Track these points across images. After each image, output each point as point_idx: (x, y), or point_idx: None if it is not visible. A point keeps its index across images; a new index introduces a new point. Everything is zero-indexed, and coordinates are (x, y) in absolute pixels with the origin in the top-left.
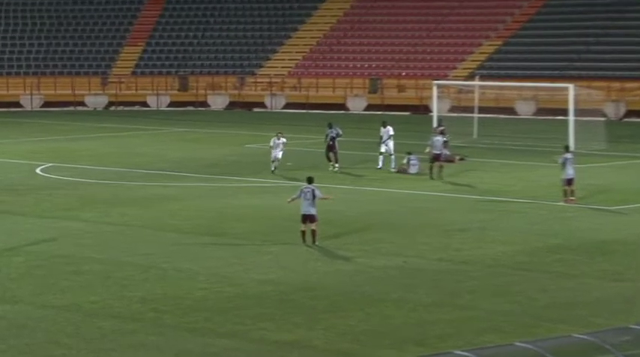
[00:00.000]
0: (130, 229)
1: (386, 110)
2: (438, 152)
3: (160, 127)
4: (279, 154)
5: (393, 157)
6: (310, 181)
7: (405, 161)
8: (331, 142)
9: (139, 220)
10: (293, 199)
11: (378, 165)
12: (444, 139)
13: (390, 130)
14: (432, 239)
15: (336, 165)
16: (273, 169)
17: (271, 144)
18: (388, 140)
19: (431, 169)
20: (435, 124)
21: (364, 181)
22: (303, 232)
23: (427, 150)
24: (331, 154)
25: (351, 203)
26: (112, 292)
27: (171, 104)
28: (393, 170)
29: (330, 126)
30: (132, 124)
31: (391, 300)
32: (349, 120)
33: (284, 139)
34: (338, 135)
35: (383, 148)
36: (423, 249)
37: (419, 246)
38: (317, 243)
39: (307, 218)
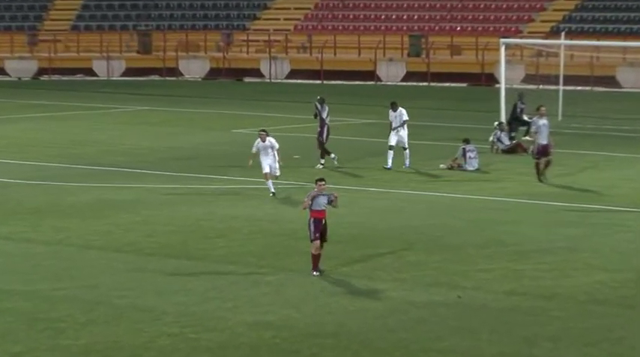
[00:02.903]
0: (69, 249)
1: (433, 80)
2: (546, 142)
3: (112, 105)
4: (275, 164)
5: (407, 151)
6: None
7: (459, 154)
8: (320, 128)
9: (81, 236)
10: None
11: (386, 164)
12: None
13: (404, 114)
14: (498, 264)
15: (322, 161)
16: (273, 190)
17: (254, 149)
18: (400, 128)
19: (537, 166)
20: (502, 99)
21: (400, 183)
22: (315, 257)
23: (493, 137)
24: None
25: (382, 213)
26: (43, 339)
27: (128, 72)
28: (406, 168)
29: (323, 101)
30: (72, 100)
31: (439, 350)
32: (381, 94)
33: (273, 140)
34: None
35: (393, 140)
36: (486, 278)
37: (479, 274)
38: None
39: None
